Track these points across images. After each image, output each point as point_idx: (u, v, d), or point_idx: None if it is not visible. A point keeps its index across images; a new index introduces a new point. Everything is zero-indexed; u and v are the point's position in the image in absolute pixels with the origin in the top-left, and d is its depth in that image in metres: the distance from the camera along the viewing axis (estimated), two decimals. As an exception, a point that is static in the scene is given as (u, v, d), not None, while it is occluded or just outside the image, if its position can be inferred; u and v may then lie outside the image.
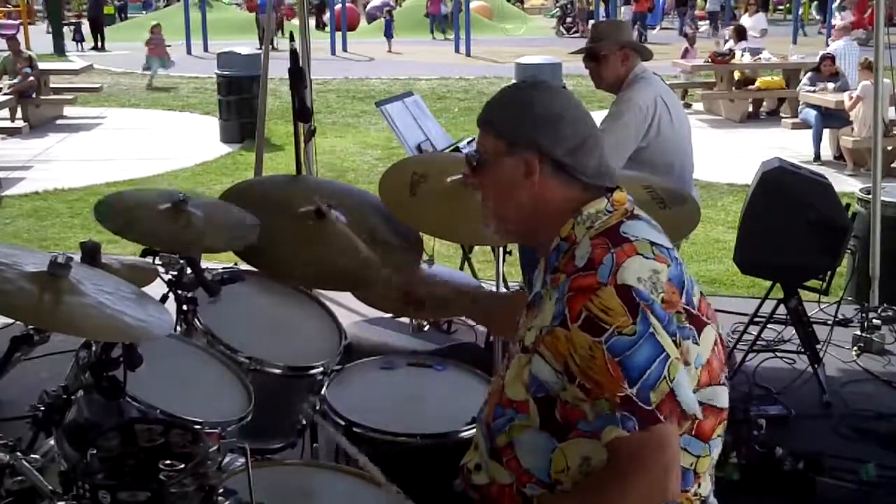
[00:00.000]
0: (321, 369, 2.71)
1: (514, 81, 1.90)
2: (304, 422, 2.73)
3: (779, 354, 4.75)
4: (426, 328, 4.22)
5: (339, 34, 22.93)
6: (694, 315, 1.69)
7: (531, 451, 1.74)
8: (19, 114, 12.43)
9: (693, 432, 1.70)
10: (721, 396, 1.75)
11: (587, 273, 1.65)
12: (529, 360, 1.72)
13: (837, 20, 18.77)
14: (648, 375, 1.57)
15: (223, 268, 2.92)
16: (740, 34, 14.44)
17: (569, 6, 28.59)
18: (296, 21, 18.81)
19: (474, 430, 2.28)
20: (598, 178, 1.77)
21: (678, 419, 1.61)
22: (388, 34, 23.45)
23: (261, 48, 12.08)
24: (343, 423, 2.47)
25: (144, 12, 34.52)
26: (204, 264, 2.75)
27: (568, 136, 1.75)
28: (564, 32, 27.59)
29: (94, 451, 1.75)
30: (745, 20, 15.91)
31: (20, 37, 15.87)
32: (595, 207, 1.75)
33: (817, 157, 10.09)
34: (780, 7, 32.79)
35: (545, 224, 1.79)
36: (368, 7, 30.18)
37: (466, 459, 1.96)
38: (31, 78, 12.50)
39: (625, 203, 1.78)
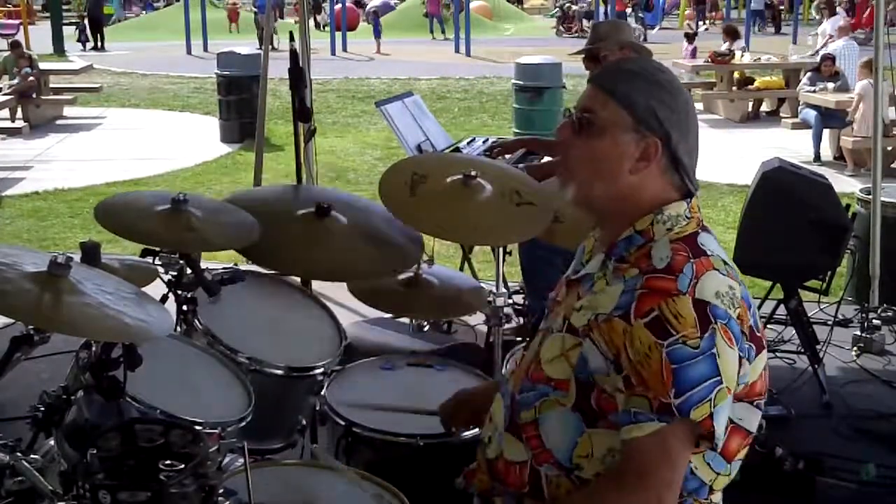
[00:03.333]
0: (321, 370, 2.71)
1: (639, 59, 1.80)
2: (304, 422, 2.73)
3: (779, 355, 4.74)
4: (426, 328, 4.22)
5: (339, 34, 22.93)
6: (757, 337, 1.68)
7: (559, 429, 1.72)
8: (19, 114, 12.43)
9: (720, 450, 1.69)
10: (751, 419, 1.74)
11: (667, 276, 1.62)
12: (580, 343, 1.69)
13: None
14: (695, 392, 1.56)
15: (223, 268, 2.92)
16: (733, 34, 14.46)
17: (568, 6, 28.63)
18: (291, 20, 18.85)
19: (475, 430, 2.28)
20: (696, 186, 1.77)
21: (702, 441, 1.62)
22: (377, 34, 23.42)
23: (261, 48, 12.07)
24: (343, 423, 2.48)
25: (144, 12, 34.55)
26: (204, 264, 2.75)
27: (692, 137, 1.73)
28: (564, 32, 27.60)
29: (94, 451, 1.75)
30: (826, 24, 15.99)
31: (20, 37, 15.87)
32: (676, 210, 1.72)
33: (817, 158, 10.09)
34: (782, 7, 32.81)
35: (625, 212, 1.74)
36: (368, 7, 30.20)
37: (483, 433, 1.95)
38: (32, 78, 12.51)
39: (699, 212, 1.77)
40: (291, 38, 3.59)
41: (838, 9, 19.60)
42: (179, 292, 2.73)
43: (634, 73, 1.74)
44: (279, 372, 2.66)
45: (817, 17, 28.59)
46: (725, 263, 1.69)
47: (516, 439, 1.79)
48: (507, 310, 3.99)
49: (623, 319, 1.61)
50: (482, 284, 3.64)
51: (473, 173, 2.93)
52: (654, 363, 1.57)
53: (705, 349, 1.56)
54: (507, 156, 4.65)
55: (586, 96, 1.76)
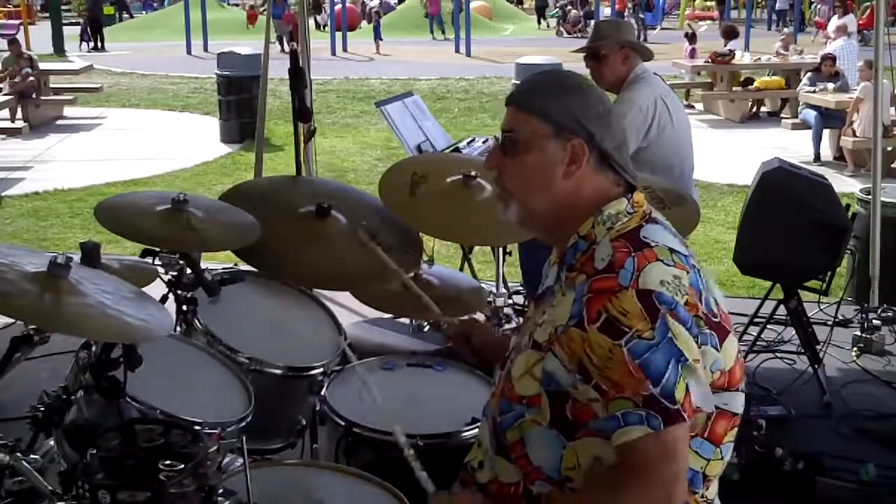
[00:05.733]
0: (321, 369, 2.71)
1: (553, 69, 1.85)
2: (304, 422, 2.73)
3: (779, 355, 4.75)
4: (426, 328, 4.22)
5: (339, 34, 22.93)
6: (715, 322, 1.69)
7: (541, 448, 1.73)
8: (19, 114, 12.43)
9: (705, 435, 1.70)
10: (736, 402, 1.75)
11: (608, 276, 1.64)
12: (542, 358, 1.71)
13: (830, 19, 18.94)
14: (668, 375, 1.57)
15: (223, 268, 2.92)
16: (729, 34, 14.46)
17: (569, 8, 28.65)
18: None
19: (475, 430, 2.28)
20: (634, 177, 1.79)
21: (696, 415, 1.62)
22: (377, 36, 23.43)
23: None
24: (343, 423, 2.48)
25: (144, 12, 34.57)
26: (204, 264, 2.75)
27: (616, 131, 1.77)
28: (564, 33, 27.63)
29: (94, 451, 1.75)
30: (834, 21, 16.02)
31: (20, 37, 15.87)
32: (616, 208, 1.75)
33: (817, 158, 10.10)
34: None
35: (570, 218, 1.77)
36: (368, 7, 30.22)
37: (470, 457, 1.95)
38: (31, 78, 12.52)
39: (643, 205, 1.78)
40: (291, 38, 3.59)
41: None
42: (179, 292, 2.72)
43: (544, 84, 1.81)
44: (279, 372, 2.66)
45: (815, 18, 28.73)
46: (673, 252, 1.70)
47: (507, 461, 1.80)
48: (507, 310, 4.00)
49: (578, 328, 1.62)
50: (482, 284, 3.65)
51: (473, 173, 2.93)
52: (618, 364, 1.58)
53: (661, 338, 1.58)
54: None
55: (506, 118, 1.82)
